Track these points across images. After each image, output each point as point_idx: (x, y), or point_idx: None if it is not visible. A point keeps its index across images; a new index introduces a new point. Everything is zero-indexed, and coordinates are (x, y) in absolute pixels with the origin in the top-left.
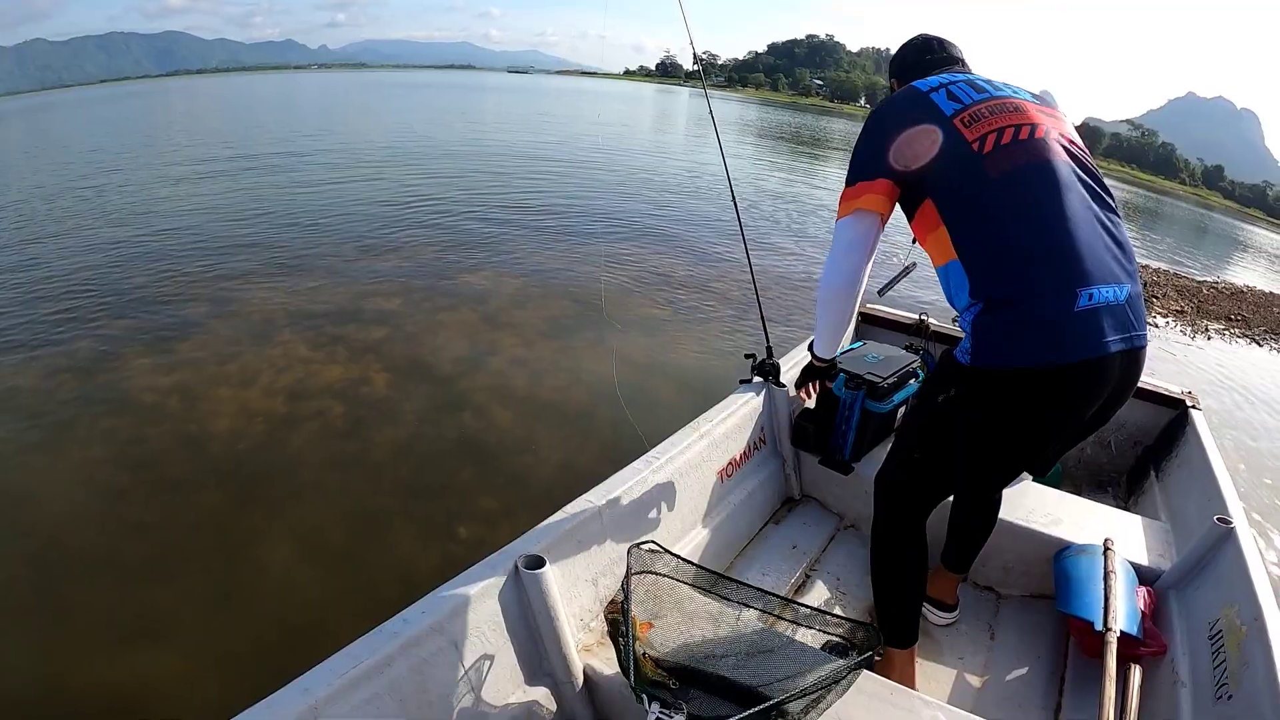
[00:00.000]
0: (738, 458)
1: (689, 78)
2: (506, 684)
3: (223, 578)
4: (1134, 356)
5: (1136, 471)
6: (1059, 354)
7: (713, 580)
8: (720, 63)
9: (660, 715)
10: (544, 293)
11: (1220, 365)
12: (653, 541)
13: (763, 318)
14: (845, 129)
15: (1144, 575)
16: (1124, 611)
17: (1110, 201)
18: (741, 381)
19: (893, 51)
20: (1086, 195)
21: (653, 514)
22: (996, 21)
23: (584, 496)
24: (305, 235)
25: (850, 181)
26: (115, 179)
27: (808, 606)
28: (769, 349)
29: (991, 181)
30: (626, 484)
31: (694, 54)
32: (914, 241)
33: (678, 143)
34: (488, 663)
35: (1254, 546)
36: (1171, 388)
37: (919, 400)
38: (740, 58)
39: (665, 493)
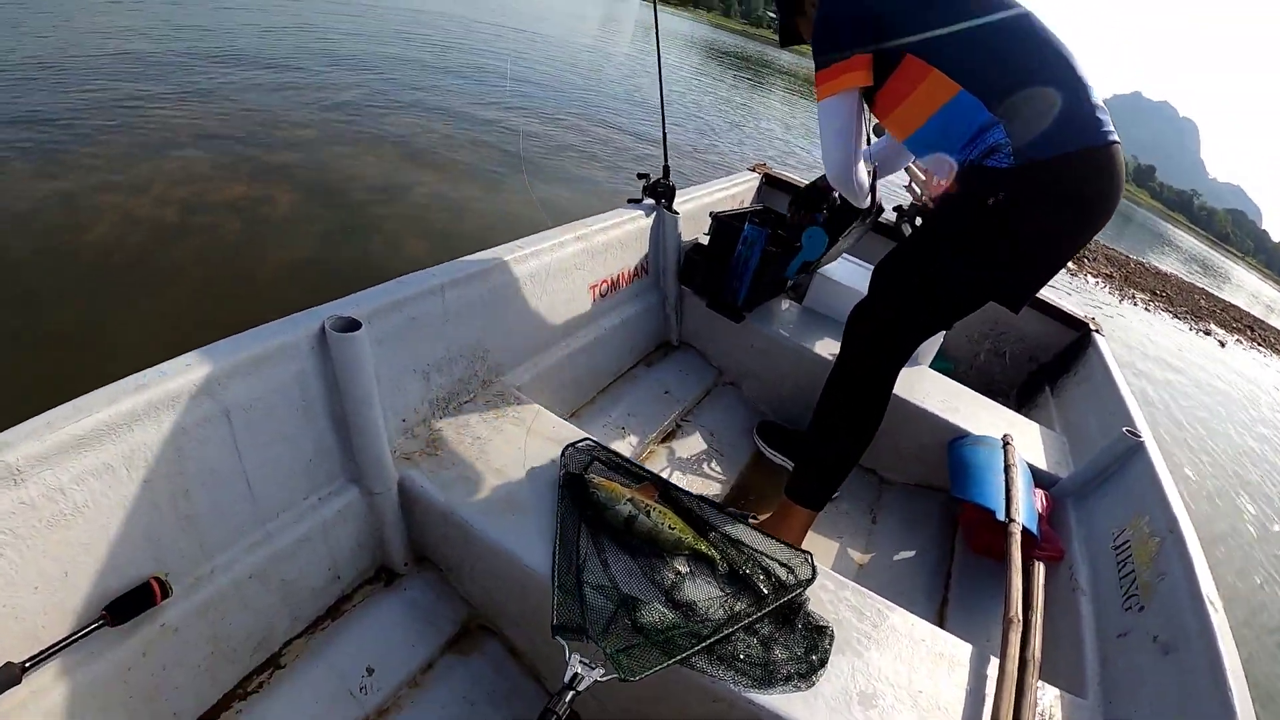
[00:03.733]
0: (615, 278)
1: None
2: (297, 480)
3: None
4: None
5: (1029, 386)
6: (1091, 138)
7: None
8: None
9: (579, 670)
10: (474, 139)
11: (1146, 329)
12: (589, 439)
13: (664, 135)
14: (790, 60)
15: (1040, 479)
16: (1024, 507)
17: None
18: (630, 201)
19: None
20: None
21: (508, 309)
22: None
23: (426, 270)
24: (222, 67)
25: (824, 63)
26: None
27: (742, 544)
28: (666, 168)
29: (975, 14)
30: (480, 266)
31: None
32: (874, 125)
33: (624, 39)
34: (275, 447)
35: (1162, 460)
36: (1076, 310)
37: (952, 214)
38: None
39: (527, 289)
